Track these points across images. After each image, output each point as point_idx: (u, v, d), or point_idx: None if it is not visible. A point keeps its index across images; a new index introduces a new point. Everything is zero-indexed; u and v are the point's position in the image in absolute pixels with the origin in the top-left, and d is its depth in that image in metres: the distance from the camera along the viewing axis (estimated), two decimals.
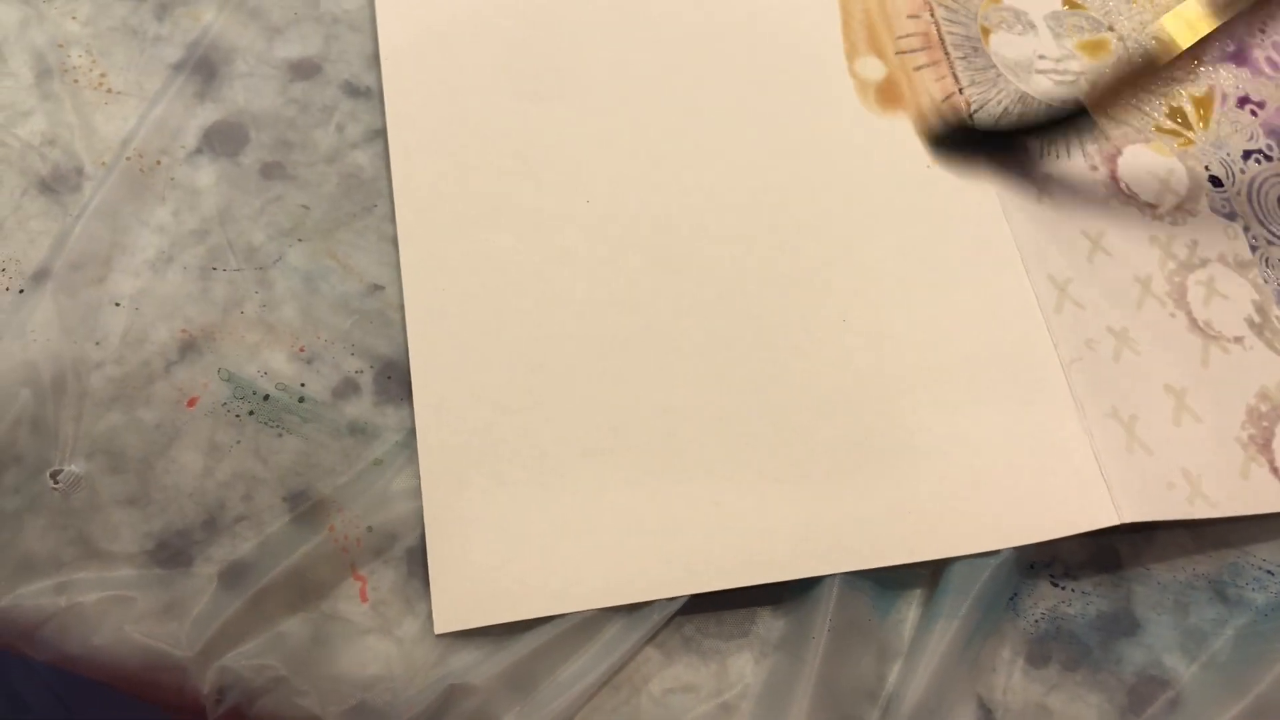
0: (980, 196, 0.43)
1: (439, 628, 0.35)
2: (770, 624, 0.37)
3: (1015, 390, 0.40)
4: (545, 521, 0.37)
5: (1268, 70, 0.47)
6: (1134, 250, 0.43)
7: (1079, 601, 0.39)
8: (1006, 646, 0.38)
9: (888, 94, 0.45)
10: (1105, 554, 0.39)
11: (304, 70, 0.44)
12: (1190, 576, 0.39)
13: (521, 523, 0.37)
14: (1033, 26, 0.47)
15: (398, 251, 0.40)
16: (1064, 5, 0.48)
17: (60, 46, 0.43)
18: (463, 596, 0.36)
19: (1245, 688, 0.37)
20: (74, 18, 0.44)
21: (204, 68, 0.43)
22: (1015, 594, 0.38)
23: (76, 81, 0.42)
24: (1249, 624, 0.38)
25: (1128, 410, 0.39)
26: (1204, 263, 0.43)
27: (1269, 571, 0.39)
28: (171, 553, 0.36)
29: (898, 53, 0.46)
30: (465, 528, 0.36)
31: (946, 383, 0.40)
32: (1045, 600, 0.38)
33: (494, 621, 0.35)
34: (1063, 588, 0.39)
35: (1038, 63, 0.46)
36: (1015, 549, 0.38)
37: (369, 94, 0.43)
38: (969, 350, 0.40)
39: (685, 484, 0.38)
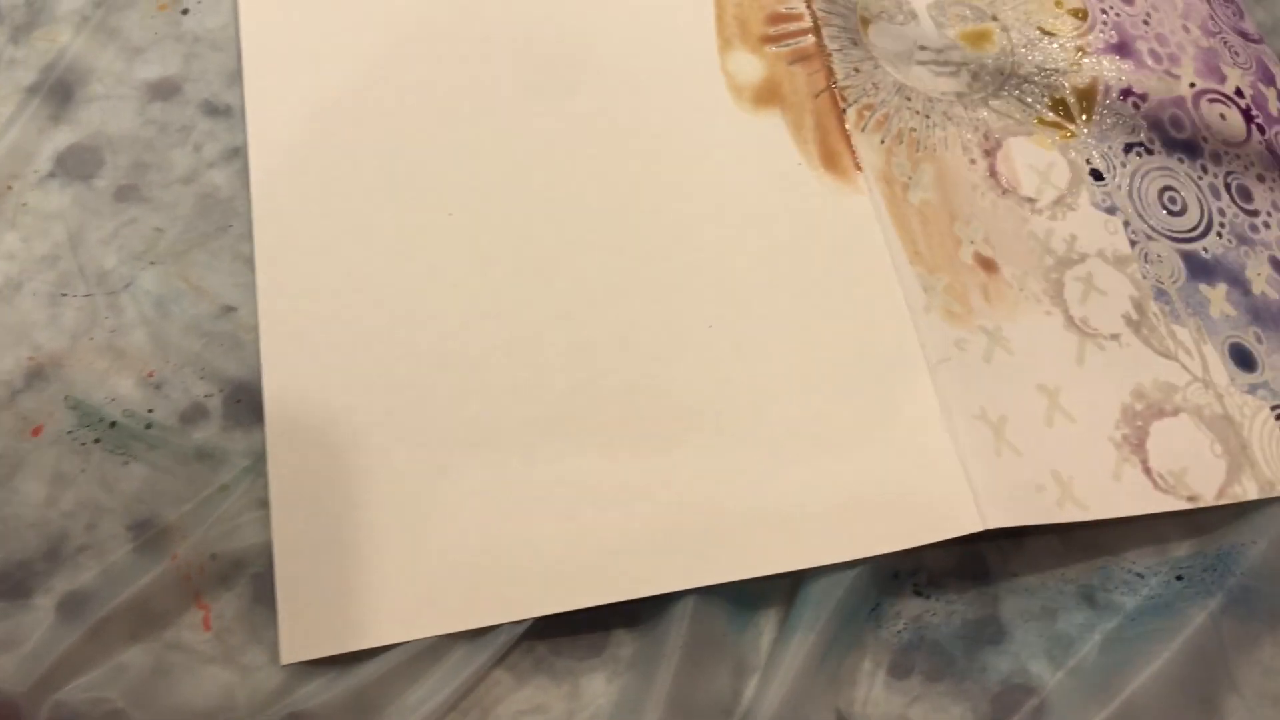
0: (852, 196, 0.42)
1: (285, 657, 0.35)
2: (624, 642, 0.36)
3: (881, 394, 0.39)
4: (395, 545, 0.36)
5: (1150, 62, 0.46)
6: (1010, 247, 0.42)
7: (944, 610, 0.38)
8: (867, 658, 0.37)
9: (760, 91, 0.44)
10: (972, 561, 0.39)
11: (163, 90, 0.43)
12: (1059, 581, 0.38)
13: (371, 547, 0.36)
14: (914, 16, 0.46)
15: (253, 271, 0.40)
16: None
17: None
18: (310, 624, 0.35)
19: (1111, 693, 0.36)
20: None
21: (60, 90, 0.43)
22: (877, 605, 0.38)
23: None
24: (1116, 629, 0.38)
25: (997, 411, 0.38)
26: (1082, 258, 0.42)
27: (1139, 574, 0.39)
28: (10, 585, 0.35)
29: (771, 45, 0.45)
30: (314, 553, 0.36)
31: (811, 388, 0.39)
32: (909, 610, 0.38)
33: (341, 650, 0.35)
34: (927, 597, 0.38)
35: (918, 54, 0.45)
36: (877, 558, 0.37)
37: (229, 113, 0.43)
38: (835, 354, 0.39)
39: (540, 500, 0.37)
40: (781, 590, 0.37)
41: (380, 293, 0.40)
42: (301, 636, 0.35)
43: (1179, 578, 0.38)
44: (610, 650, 0.36)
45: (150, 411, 0.38)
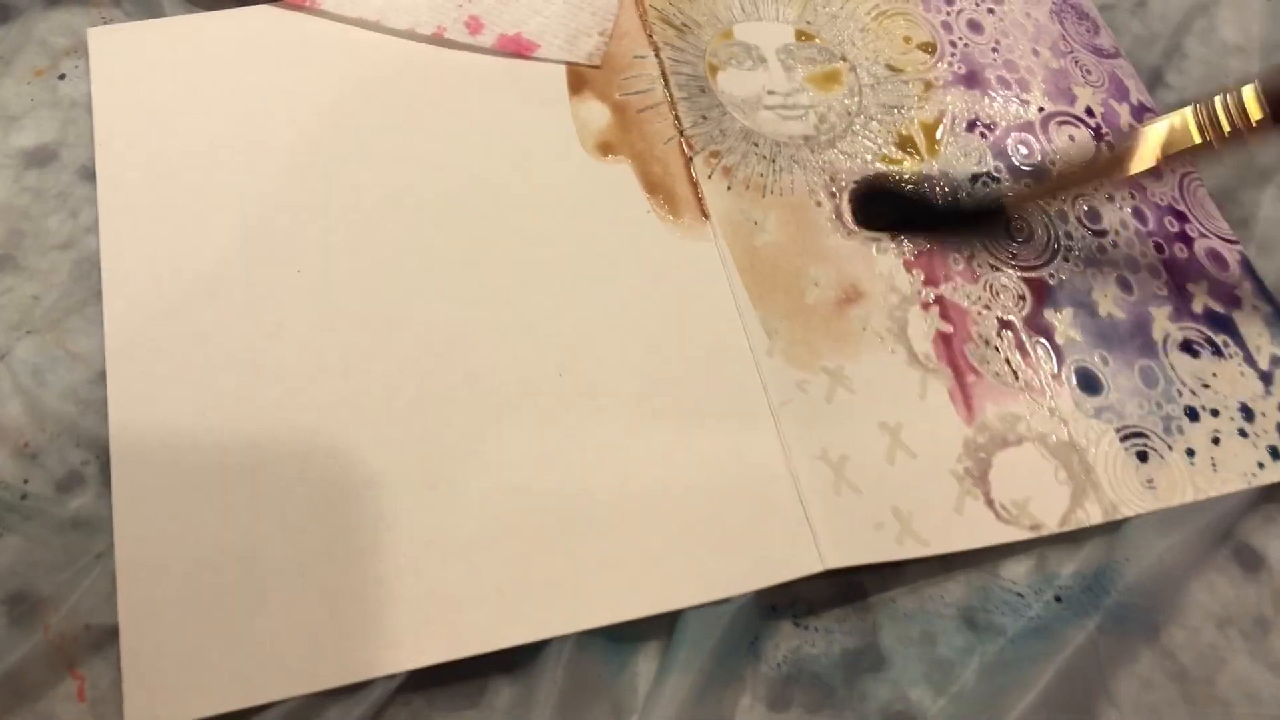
0: (698, 243, 0.38)
1: None
2: (500, 690, 0.33)
3: (726, 437, 0.35)
4: (245, 608, 0.32)
5: (998, 90, 0.43)
6: (855, 287, 0.38)
7: (823, 640, 0.34)
8: (747, 693, 0.33)
9: (609, 139, 0.40)
10: (849, 590, 0.35)
11: (39, 158, 0.39)
12: (939, 605, 0.35)
13: (219, 612, 0.31)
14: (763, 61, 0.42)
15: None
16: (796, 38, 0.43)
17: None
18: (156, 692, 0.30)
19: (994, 718, 0.33)
20: None
21: None
22: (755, 638, 0.34)
23: None
24: (998, 651, 0.34)
25: (838, 451, 0.35)
26: (930, 294, 0.38)
27: (1019, 594, 0.35)
28: None
29: (621, 95, 0.41)
30: (160, 619, 0.31)
31: (657, 432, 0.35)
32: (787, 642, 0.34)
33: (192, 717, 0.30)
34: (806, 628, 0.34)
35: (766, 98, 0.42)
36: (754, 592, 0.33)
37: None
38: (681, 398, 0.36)
39: (391, 555, 0.33)
40: (659, 628, 0.33)
41: (229, 352, 0.35)
42: (146, 706, 0.30)
43: (1058, 599, 0.35)
44: (487, 699, 0.32)
45: (26, 482, 0.34)
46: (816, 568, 0.33)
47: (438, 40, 0.41)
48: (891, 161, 0.41)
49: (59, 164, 0.39)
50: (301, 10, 0.41)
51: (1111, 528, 0.36)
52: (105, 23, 0.42)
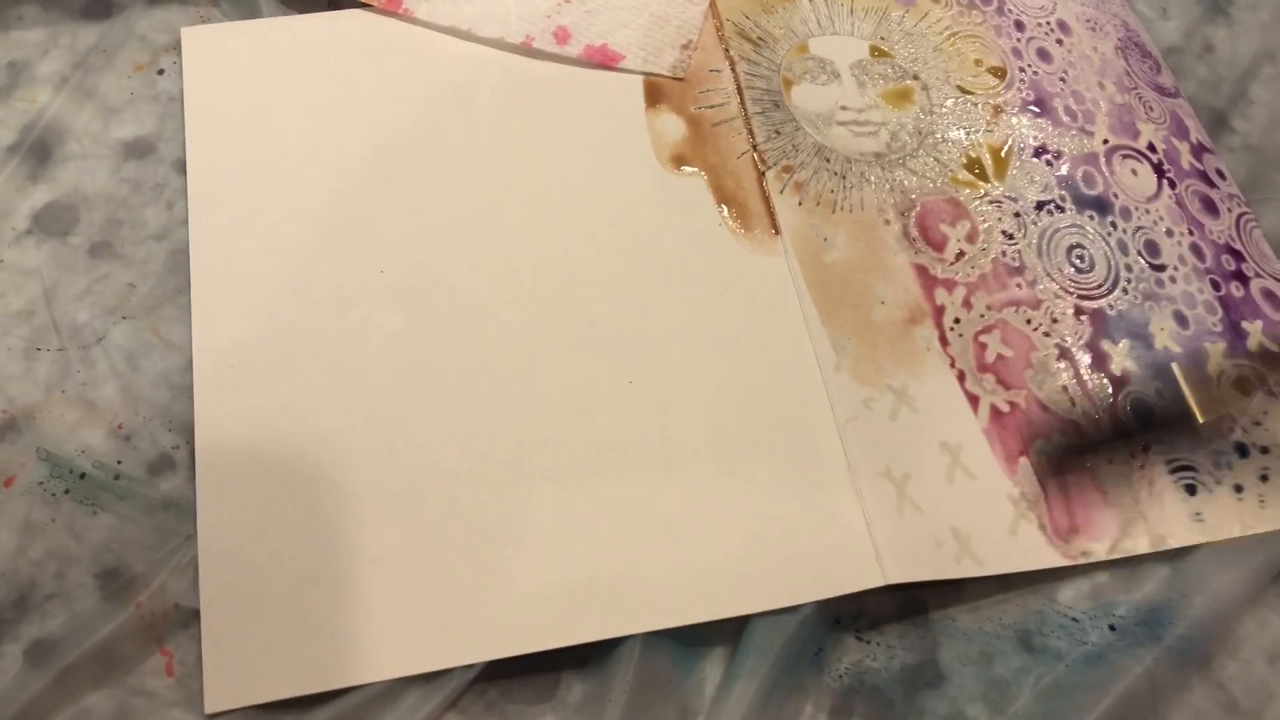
0: (769, 258, 0.39)
1: (209, 706, 0.31)
2: (573, 686, 0.33)
3: (791, 451, 0.36)
4: (326, 593, 0.32)
5: (1065, 120, 0.43)
6: (920, 306, 0.38)
7: (884, 655, 0.35)
8: (809, 703, 0.34)
9: (683, 151, 0.41)
10: (912, 606, 0.35)
11: (137, 149, 0.40)
12: (997, 626, 0.35)
13: (298, 598, 0.32)
14: (837, 76, 0.43)
15: None
16: (870, 54, 0.44)
17: None
18: (235, 674, 0.31)
19: None
20: None
21: (38, 150, 0.39)
22: (820, 649, 0.34)
23: None
24: (1053, 674, 0.34)
25: (901, 469, 0.35)
26: (991, 318, 0.39)
27: (1074, 619, 0.36)
28: None
29: (696, 108, 0.42)
30: (240, 604, 0.32)
31: (724, 443, 0.36)
32: (850, 655, 0.34)
33: (264, 700, 0.31)
34: (868, 641, 0.35)
35: (839, 114, 0.42)
36: (819, 604, 0.34)
37: None
38: (748, 411, 0.36)
39: (468, 550, 0.33)
40: (726, 633, 0.34)
41: (312, 346, 0.36)
42: (225, 687, 0.31)
43: (1112, 628, 0.35)
44: (560, 694, 0.33)
45: (119, 463, 0.35)
46: (878, 582, 0.33)
47: (525, 50, 0.42)
48: (960, 183, 0.41)
49: (156, 156, 0.40)
50: (394, 17, 0.42)
51: (1168, 560, 0.36)
52: (203, 21, 0.42)
